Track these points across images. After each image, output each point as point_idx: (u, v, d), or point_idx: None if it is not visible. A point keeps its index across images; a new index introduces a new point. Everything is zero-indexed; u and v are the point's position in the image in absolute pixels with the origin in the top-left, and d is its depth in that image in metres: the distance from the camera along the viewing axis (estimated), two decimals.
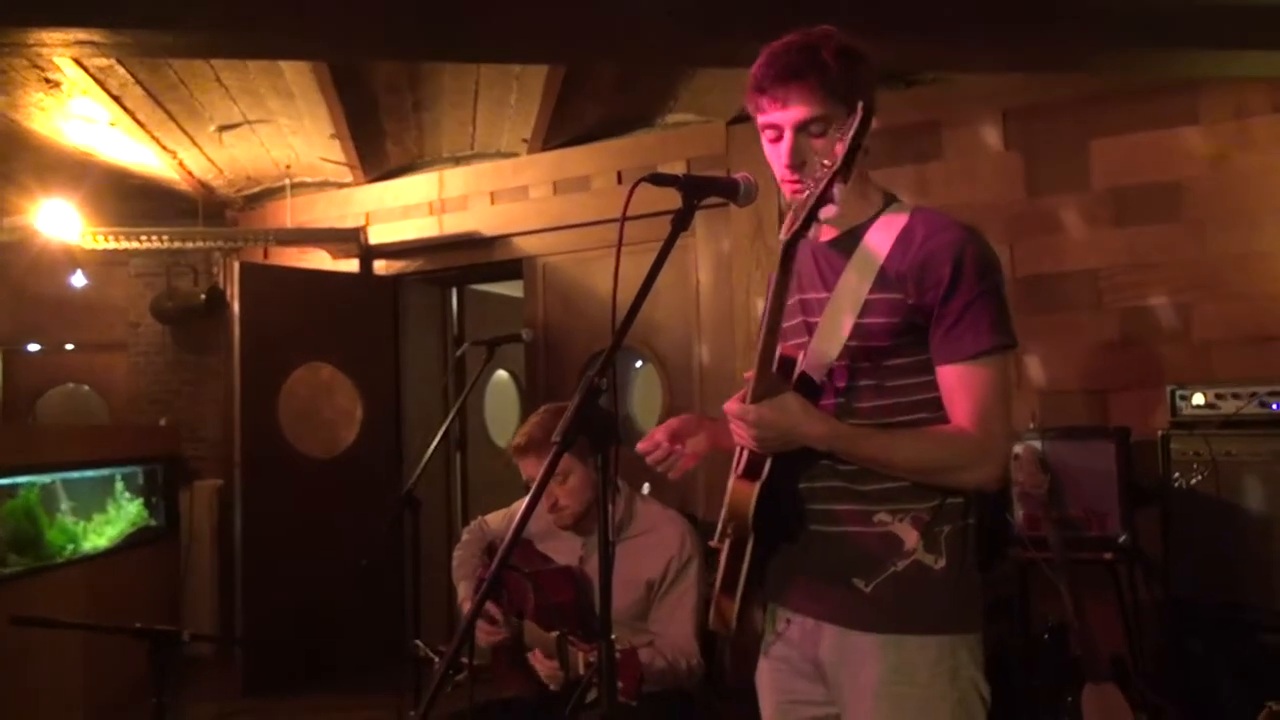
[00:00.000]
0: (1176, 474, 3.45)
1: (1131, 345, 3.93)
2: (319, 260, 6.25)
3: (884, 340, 1.64)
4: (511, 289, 6.30)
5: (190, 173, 5.87)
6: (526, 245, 5.54)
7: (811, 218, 1.47)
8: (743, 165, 4.87)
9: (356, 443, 5.89)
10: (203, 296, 6.41)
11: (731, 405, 1.61)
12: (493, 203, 5.61)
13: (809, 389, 1.66)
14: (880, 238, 1.68)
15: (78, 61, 4.05)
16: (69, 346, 7.46)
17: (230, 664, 5.60)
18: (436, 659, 2.38)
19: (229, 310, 5.49)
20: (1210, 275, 3.80)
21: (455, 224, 5.77)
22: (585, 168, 5.33)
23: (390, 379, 6.12)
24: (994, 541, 3.58)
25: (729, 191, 1.63)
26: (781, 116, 1.66)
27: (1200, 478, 3.40)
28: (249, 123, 5.09)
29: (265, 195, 6.42)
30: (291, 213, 6.27)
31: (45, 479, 4.76)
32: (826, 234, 1.76)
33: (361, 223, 6.07)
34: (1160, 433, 3.49)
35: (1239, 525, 3.32)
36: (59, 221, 5.50)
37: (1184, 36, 3.43)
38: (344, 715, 4.93)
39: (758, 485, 1.61)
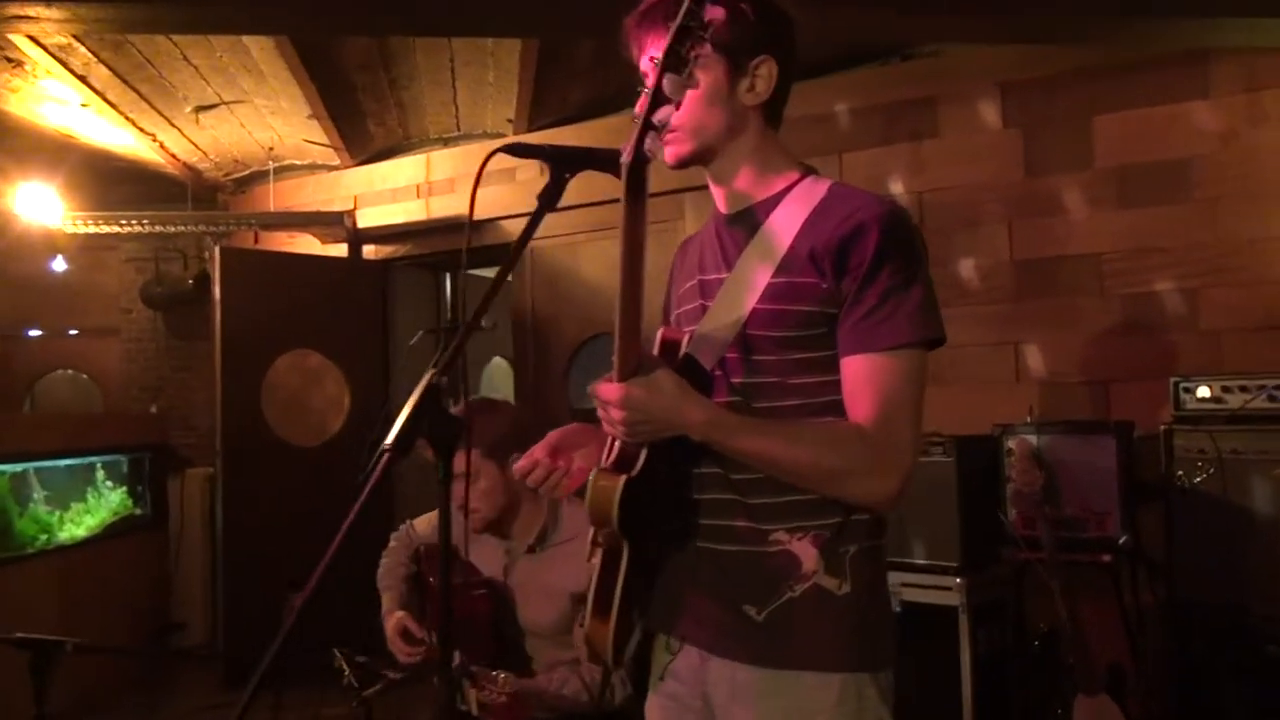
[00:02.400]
0: (1180, 471, 3.24)
1: (1136, 334, 3.70)
2: (310, 245, 6.11)
3: (788, 329, 1.43)
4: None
5: (174, 155, 5.73)
6: (513, 229, 5.37)
7: (647, 125, 1.25)
8: None
9: (344, 431, 5.75)
10: (190, 282, 6.29)
11: (598, 385, 1.41)
12: (479, 185, 5.43)
13: (697, 379, 1.46)
14: (790, 213, 1.48)
15: (34, 39, 3.91)
16: (73, 332, 7.39)
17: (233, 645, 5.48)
18: (348, 673, 2.21)
19: (211, 296, 5.36)
20: (1220, 259, 3.56)
21: (442, 207, 5.61)
22: None
23: (379, 366, 5.98)
24: (986, 541, 3.40)
25: (610, 164, 1.43)
26: (645, 61, 1.49)
27: (1205, 476, 3.19)
28: (225, 103, 4.94)
29: (255, 179, 6.29)
30: (281, 196, 6.13)
31: (16, 468, 4.64)
32: (728, 208, 1.57)
33: (350, 206, 5.92)
34: (1163, 427, 3.27)
35: (1246, 526, 3.11)
36: (38, 205, 5.39)
37: (1193, 4, 3.20)
38: (318, 711, 4.79)
39: (622, 480, 1.40)
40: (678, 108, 1.23)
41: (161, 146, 5.54)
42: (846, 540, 1.42)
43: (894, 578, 3.41)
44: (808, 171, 1.55)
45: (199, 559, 6.27)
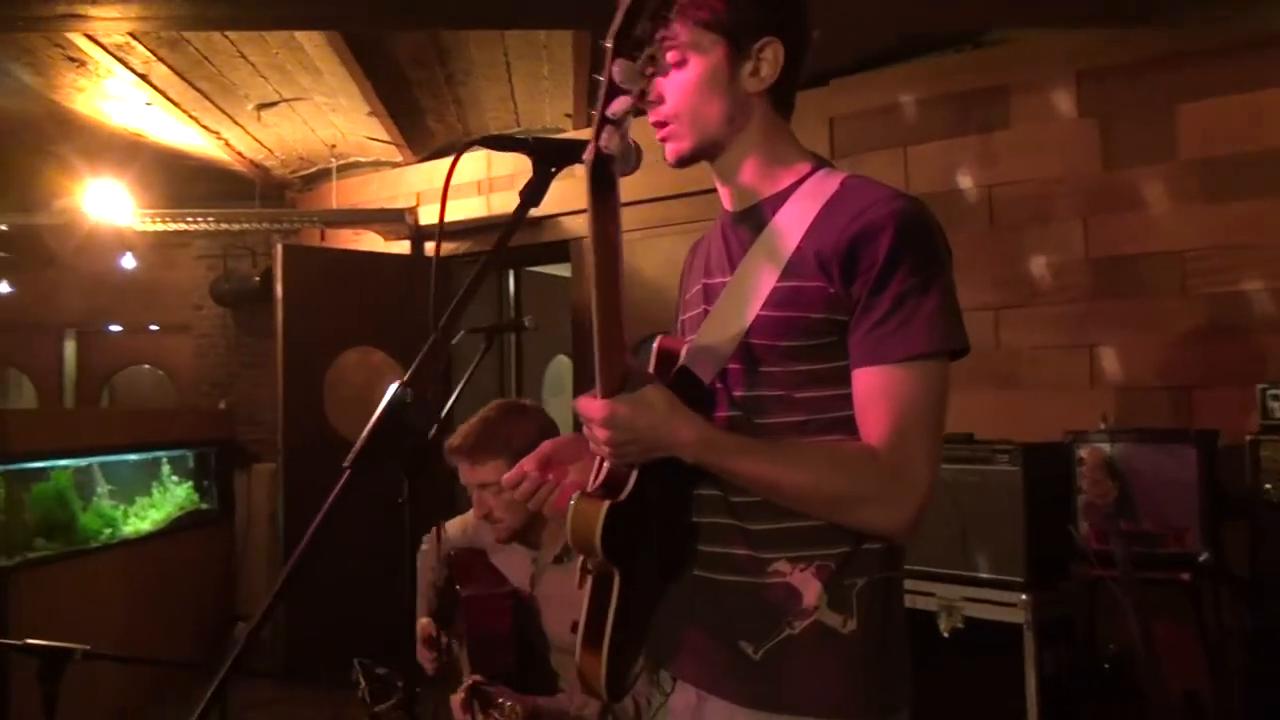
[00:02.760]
0: (1267, 485, 3.02)
1: (1220, 337, 3.46)
2: (374, 243, 6.12)
3: (794, 338, 1.30)
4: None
5: (240, 153, 5.78)
6: (573, 225, 5.30)
7: (602, 120, 1.13)
8: (796, 132, 4.55)
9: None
10: (258, 279, 6.34)
11: (582, 401, 1.31)
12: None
13: (694, 392, 1.34)
14: (799, 211, 1.34)
15: (91, 38, 3.94)
16: (153, 327, 7.56)
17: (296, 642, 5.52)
18: (364, 686, 2.14)
19: (273, 293, 5.39)
20: None
21: (503, 204, 5.55)
22: None
23: (442, 364, 5.95)
24: (1055, 555, 3.22)
25: None
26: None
27: None
28: (285, 100, 4.95)
29: (320, 176, 6.32)
30: (345, 193, 6.14)
31: (80, 462, 4.71)
32: (734, 205, 1.44)
33: (412, 203, 5.91)
34: (1249, 437, 3.04)
35: None
36: (109, 203, 5.47)
37: None
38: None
39: (605, 506, 1.28)
40: (641, 98, 1.09)
41: (227, 144, 5.58)
42: (854, 572, 1.29)
43: (955, 592, 3.26)
44: (820, 164, 1.42)
45: (264, 553, 6.33)
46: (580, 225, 5.23)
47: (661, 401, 1.27)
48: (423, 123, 5.30)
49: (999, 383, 3.86)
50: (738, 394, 1.35)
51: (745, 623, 1.31)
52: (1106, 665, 3.15)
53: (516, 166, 5.45)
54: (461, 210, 5.71)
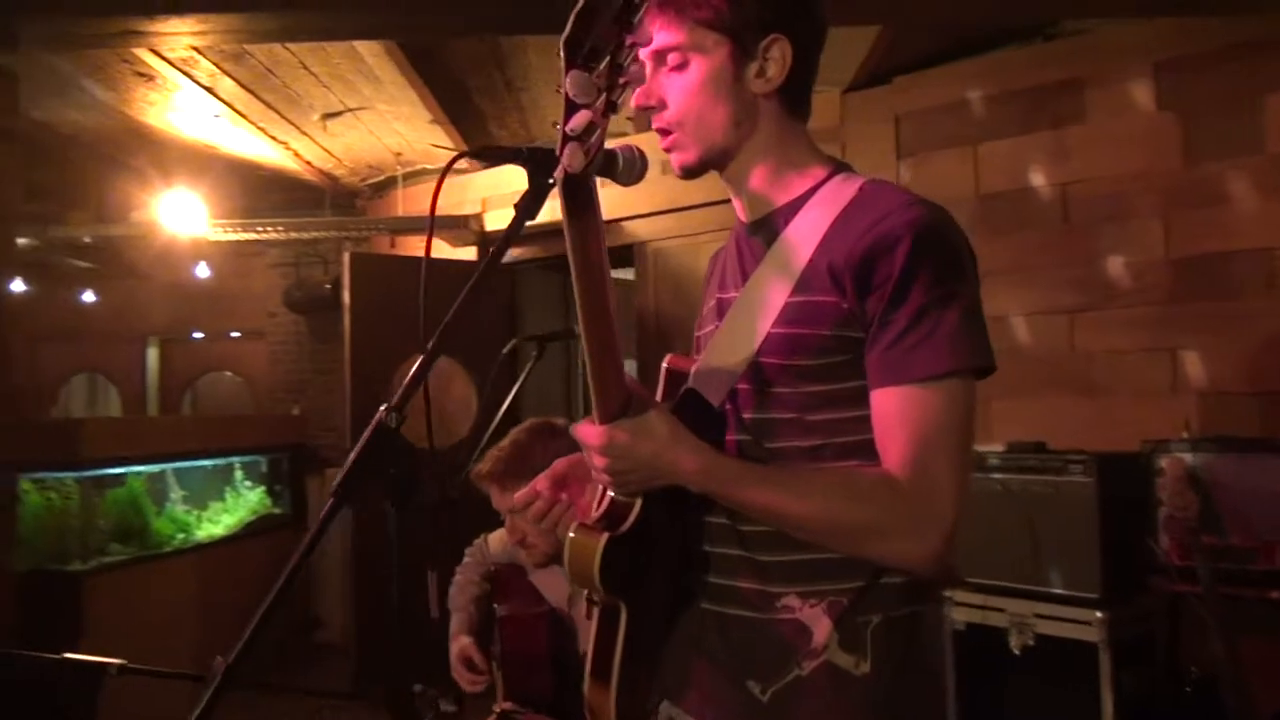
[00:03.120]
0: None
1: None
2: (441, 249, 6.14)
3: (805, 357, 1.21)
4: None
5: (308, 162, 5.86)
6: (636, 230, 5.24)
7: (564, 137, 1.04)
8: (861, 137, 4.45)
9: (472, 433, 5.75)
10: (329, 286, 6.43)
11: (581, 426, 1.24)
12: (600, 185, 5.32)
13: (701, 416, 1.26)
14: (812, 220, 1.26)
15: (156, 53, 4.01)
16: (235, 334, 7.73)
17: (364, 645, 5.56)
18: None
19: (341, 300, 5.44)
20: None
21: None
22: None
23: (508, 369, 5.94)
24: (1133, 570, 3.06)
25: (600, 166, 1.25)
26: (645, 50, 1.28)
27: None
28: (350, 110, 4.99)
29: (389, 184, 6.37)
30: (412, 200, 6.18)
31: (153, 469, 4.81)
32: (748, 215, 1.36)
33: (478, 209, 5.92)
34: None
35: None
36: (184, 214, 5.59)
37: None
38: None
39: (603, 540, 1.22)
40: (608, 110, 0.99)
41: (296, 154, 5.66)
42: (869, 609, 1.20)
43: (1026, 607, 3.14)
44: (837, 168, 1.33)
45: (338, 556, 6.41)
46: (644, 229, 5.18)
47: (663, 427, 1.19)
48: (485, 128, 5.29)
49: (1074, 389, 3.69)
50: (747, 416, 1.27)
51: (753, 661, 1.23)
52: (1189, 687, 2.98)
53: None
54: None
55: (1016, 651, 3.13)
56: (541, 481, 1.46)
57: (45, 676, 1.98)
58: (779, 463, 1.24)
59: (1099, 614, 2.95)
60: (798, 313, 1.22)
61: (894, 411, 1.16)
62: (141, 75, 4.36)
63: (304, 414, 6.61)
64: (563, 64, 0.97)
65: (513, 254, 5.98)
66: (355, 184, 6.41)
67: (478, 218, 5.90)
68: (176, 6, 3.24)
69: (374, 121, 5.19)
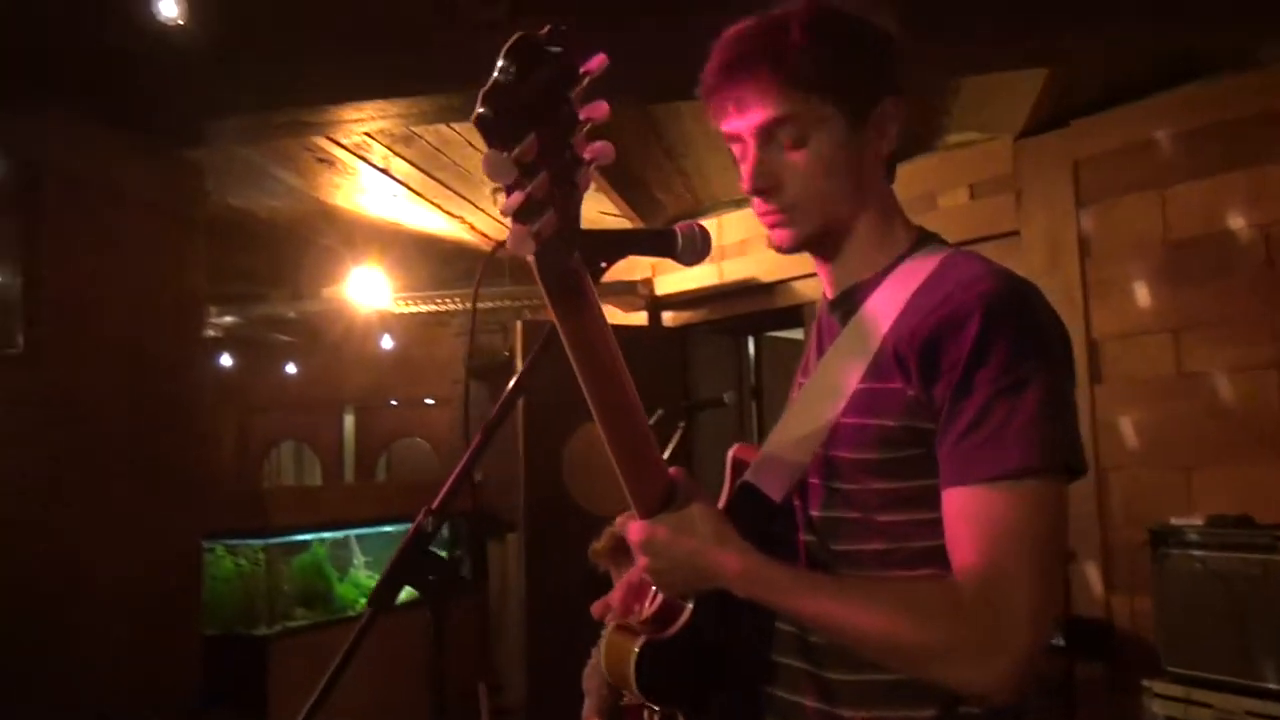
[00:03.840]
0: None
1: None
2: (612, 315, 6.21)
3: (872, 450, 1.09)
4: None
5: (484, 234, 6.04)
6: (806, 290, 5.12)
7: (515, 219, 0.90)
8: (1036, 186, 4.19)
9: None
10: (506, 354, 6.58)
11: (623, 520, 1.15)
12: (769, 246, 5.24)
13: (758, 512, 1.15)
14: (889, 298, 1.13)
15: (332, 139, 4.23)
16: (429, 401, 8.06)
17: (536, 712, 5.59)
18: None
19: (514, 368, 5.56)
20: None
21: (735, 271, 5.47)
22: None
23: (682, 435, 5.89)
24: None
25: (655, 246, 1.17)
26: (738, 123, 1.16)
27: None
28: None
29: None
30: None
31: (336, 535, 5.00)
32: (830, 288, 1.25)
33: (648, 274, 5.94)
34: None
35: None
36: (370, 288, 5.87)
37: None
38: None
39: (640, 642, 1.11)
40: (518, 193, 0.86)
41: (471, 228, 5.85)
42: None
43: (1236, 703, 2.80)
44: (924, 239, 1.20)
45: (518, 622, 6.48)
46: (814, 288, 5.05)
47: (706, 525, 1.09)
48: (649, 194, 5.32)
49: None
50: (815, 514, 1.15)
51: None
52: None
53: (750, 231, 5.36)
54: (694, 278, 5.68)
55: None
56: (616, 594, 1.38)
57: None
58: (845, 567, 1.11)
59: None
60: (867, 401, 1.10)
61: (961, 515, 1.02)
62: (323, 161, 4.61)
63: (485, 479, 6.75)
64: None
65: (683, 317, 5.97)
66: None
67: (647, 282, 5.92)
68: (335, 98, 3.42)
69: None
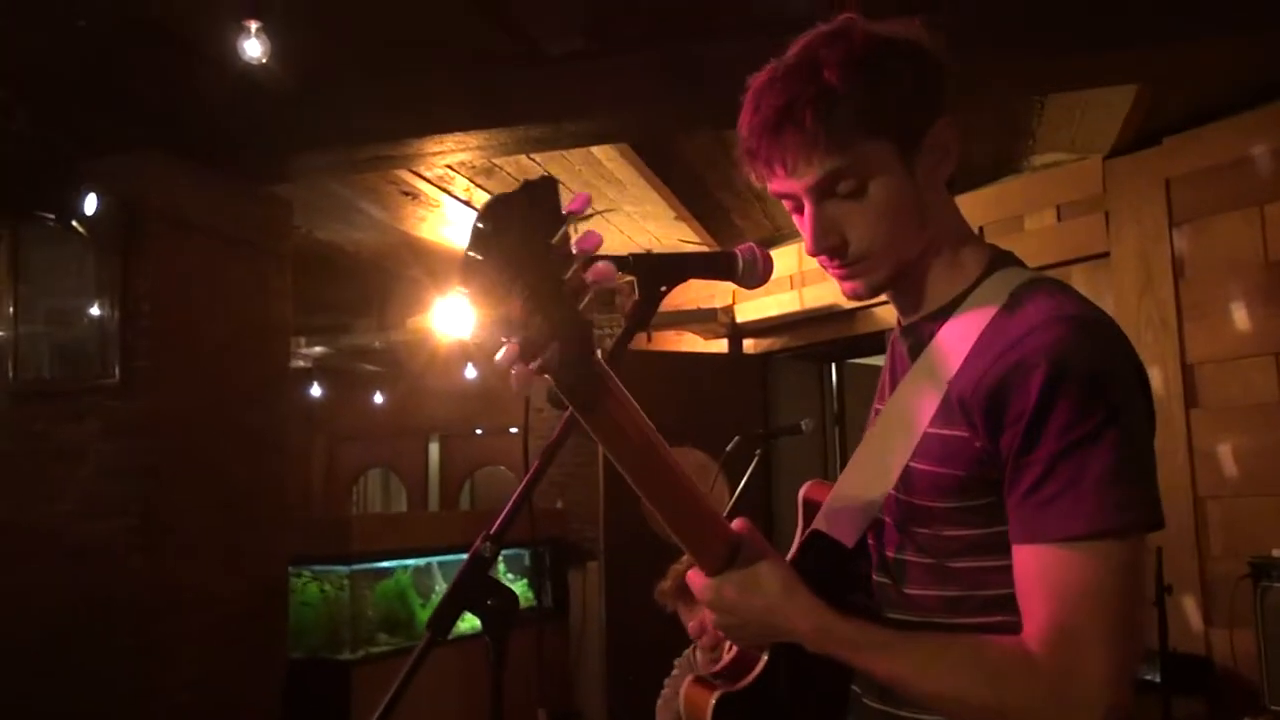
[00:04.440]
0: None
1: None
2: (692, 342, 6.19)
3: (944, 499, 1.04)
4: None
5: None
6: (887, 316, 5.02)
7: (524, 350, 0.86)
8: (1128, 205, 4.06)
9: None
10: None
11: (690, 575, 1.11)
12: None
13: (830, 560, 1.11)
14: (960, 332, 1.06)
15: (415, 173, 4.32)
16: (513, 430, 8.15)
17: None
18: None
19: None
20: None
21: (815, 297, 5.42)
22: None
23: (762, 463, 5.83)
24: None
25: (713, 269, 1.15)
26: (787, 185, 1.09)
27: None
28: (599, 213, 5.15)
29: None
30: (669, 296, 6.27)
31: (419, 562, 5.05)
32: (903, 311, 1.18)
33: (729, 301, 5.92)
34: None
35: None
36: (453, 319, 5.96)
37: None
38: None
39: (717, 695, 1.09)
40: (510, 345, 0.85)
41: None
42: None
43: None
44: (995, 262, 1.12)
45: (598, 649, 6.47)
46: (888, 315, 4.95)
47: (775, 582, 1.05)
48: (728, 221, 5.32)
49: None
50: (889, 555, 1.11)
51: None
52: None
53: None
54: (775, 305, 5.64)
55: None
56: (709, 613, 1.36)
57: None
58: (915, 611, 1.08)
59: None
60: (938, 447, 1.04)
61: (1033, 574, 0.97)
62: (407, 194, 4.71)
63: (566, 507, 6.78)
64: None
65: (764, 344, 5.93)
66: (615, 282, 6.59)
67: (728, 310, 5.90)
68: (417, 132, 3.50)
69: (623, 222, 5.34)
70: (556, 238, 0.84)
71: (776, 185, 1.11)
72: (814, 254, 1.11)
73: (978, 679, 0.98)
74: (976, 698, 0.97)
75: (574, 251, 0.85)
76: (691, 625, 1.38)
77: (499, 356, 0.86)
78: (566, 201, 0.86)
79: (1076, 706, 0.93)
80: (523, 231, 0.82)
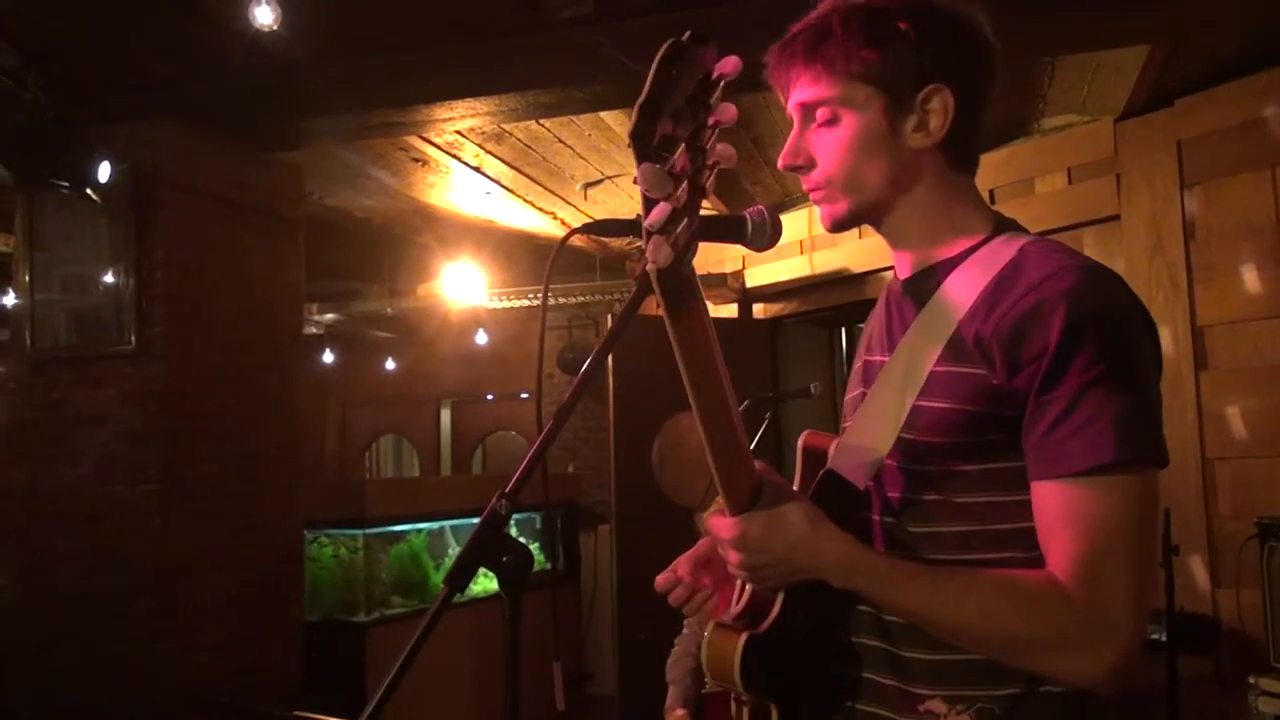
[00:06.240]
0: None
1: None
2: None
3: (953, 434, 1.08)
4: None
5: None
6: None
7: (647, 234, 0.92)
8: (1139, 167, 4.05)
9: (706, 496, 5.71)
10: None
11: (713, 519, 1.14)
12: (860, 236, 5.18)
13: (844, 500, 1.14)
14: (967, 280, 1.12)
15: (425, 139, 4.32)
16: (524, 395, 8.20)
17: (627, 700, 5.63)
18: None
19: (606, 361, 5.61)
20: None
21: (826, 262, 5.41)
22: None
23: (771, 425, 5.86)
24: None
25: (726, 232, 1.18)
26: (787, 101, 1.21)
27: None
28: (608, 178, 5.16)
29: None
30: None
31: (433, 525, 5.11)
32: (903, 270, 1.23)
33: (739, 266, 5.93)
34: None
35: None
36: (464, 285, 5.98)
37: None
38: None
39: (743, 639, 1.12)
40: (686, 202, 0.88)
41: (563, 223, 5.91)
42: (1021, 718, 1.05)
43: None
44: (1001, 227, 1.19)
45: (610, 612, 6.54)
46: None
47: (800, 519, 1.09)
48: (739, 186, 5.31)
49: None
50: (893, 496, 1.15)
51: None
52: None
53: None
54: (786, 270, 5.64)
55: None
56: (682, 565, 1.39)
57: None
58: (926, 549, 1.11)
59: None
60: (947, 384, 1.09)
61: (1056, 509, 1.02)
62: (417, 161, 4.72)
63: (577, 471, 6.83)
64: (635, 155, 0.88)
65: (774, 309, 5.94)
66: (623, 248, 6.59)
67: (737, 275, 5.90)
68: (426, 98, 3.51)
69: (633, 187, 5.33)
70: (713, 98, 0.87)
71: (787, 103, 1.22)
72: (781, 168, 1.21)
73: (1010, 609, 1.02)
74: (1009, 626, 1.02)
75: (710, 122, 0.88)
76: (660, 579, 1.40)
77: (650, 217, 0.89)
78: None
79: (1107, 632, 0.99)
80: (695, 81, 0.85)
